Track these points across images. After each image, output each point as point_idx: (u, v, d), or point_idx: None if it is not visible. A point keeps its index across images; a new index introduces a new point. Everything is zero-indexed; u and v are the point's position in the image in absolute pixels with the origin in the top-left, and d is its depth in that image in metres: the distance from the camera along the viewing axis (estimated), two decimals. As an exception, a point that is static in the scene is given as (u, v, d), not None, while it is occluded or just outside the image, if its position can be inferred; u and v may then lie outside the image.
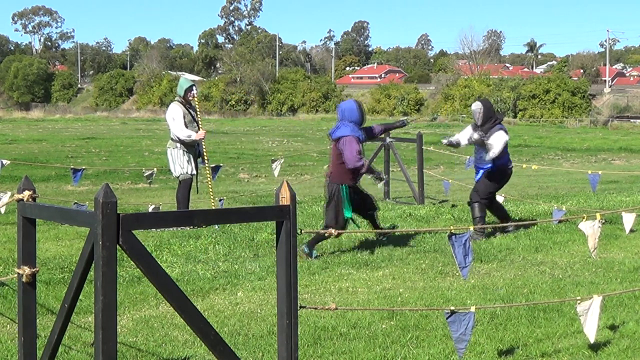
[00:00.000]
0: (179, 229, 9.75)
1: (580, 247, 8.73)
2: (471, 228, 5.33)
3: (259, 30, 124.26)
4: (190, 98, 10.69)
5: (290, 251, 4.02)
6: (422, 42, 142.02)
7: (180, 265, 8.05)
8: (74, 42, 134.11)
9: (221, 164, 12.99)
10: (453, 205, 12.11)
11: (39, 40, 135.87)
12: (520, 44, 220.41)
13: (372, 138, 9.46)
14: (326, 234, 7.79)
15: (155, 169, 12.42)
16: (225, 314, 6.27)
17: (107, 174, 21.01)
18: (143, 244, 3.67)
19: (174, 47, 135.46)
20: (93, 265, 3.57)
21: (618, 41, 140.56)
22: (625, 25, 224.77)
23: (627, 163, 29.41)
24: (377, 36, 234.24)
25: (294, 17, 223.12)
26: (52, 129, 49.29)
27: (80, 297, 4.04)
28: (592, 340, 5.19)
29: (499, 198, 10.43)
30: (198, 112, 10.71)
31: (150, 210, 11.23)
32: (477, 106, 9.85)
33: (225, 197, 12.90)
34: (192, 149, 10.63)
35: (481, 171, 9.84)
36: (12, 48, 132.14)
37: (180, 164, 10.57)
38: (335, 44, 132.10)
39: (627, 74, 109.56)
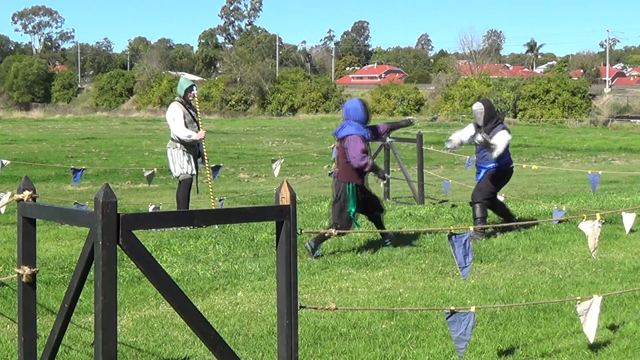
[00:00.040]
0: (179, 229, 9.75)
1: (580, 247, 8.73)
2: (471, 228, 5.33)
3: (259, 30, 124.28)
4: (191, 98, 10.69)
5: (290, 251, 4.02)
6: (422, 42, 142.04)
7: (180, 265, 8.05)
8: (74, 42, 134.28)
9: (221, 164, 12.99)
10: (453, 205, 12.11)
11: (39, 40, 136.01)
12: (520, 44, 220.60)
13: (379, 137, 9.45)
14: (326, 234, 7.82)
15: (155, 169, 12.41)
16: (225, 314, 6.27)
17: (107, 174, 21.01)
18: (143, 244, 3.67)
19: (174, 47, 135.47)
20: (93, 265, 3.57)
21: (618, 41, 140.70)
22: (625, 25, 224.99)
23: (627, 163, 29.41)
24: (377, 36, 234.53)
25: (294, 17, 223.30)
26: (52, 129, 49.29)
27: (80, 297, 4.04)
28: (591, 340, 5.19)
29: (499, 198, 10.43)
30: (198, 112, 10.71)
31: (150, 210, 11.23)
32: (478, 107, 9.86)
33: (225, 197, 12.90)
34: (192, 149, 10.63)
35: (483, 171, 9.85)
36: (12, 48, 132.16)
37: (180, 164, 10.57)
38: (335, 44, 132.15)
39: (627, 74, 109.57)
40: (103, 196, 3.43)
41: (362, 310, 6.14)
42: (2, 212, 10.80)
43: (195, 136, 10.44)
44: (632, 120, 69.58)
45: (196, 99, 10.74)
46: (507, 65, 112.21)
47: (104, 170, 21.24)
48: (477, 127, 9.84)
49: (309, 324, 5.85)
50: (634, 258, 8.27)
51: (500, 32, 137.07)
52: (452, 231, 5.13)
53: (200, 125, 10.66)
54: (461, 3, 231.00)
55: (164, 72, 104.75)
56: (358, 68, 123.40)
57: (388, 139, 13.92)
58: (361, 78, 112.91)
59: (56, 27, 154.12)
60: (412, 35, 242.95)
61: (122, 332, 5.73)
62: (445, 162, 26.22)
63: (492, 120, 9.72)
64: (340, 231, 6.19)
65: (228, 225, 9.59)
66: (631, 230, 8.56)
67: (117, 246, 3.49)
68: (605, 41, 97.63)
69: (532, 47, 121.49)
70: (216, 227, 9.73)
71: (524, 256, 8.49)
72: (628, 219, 7.81)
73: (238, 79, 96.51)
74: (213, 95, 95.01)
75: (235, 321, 6.05)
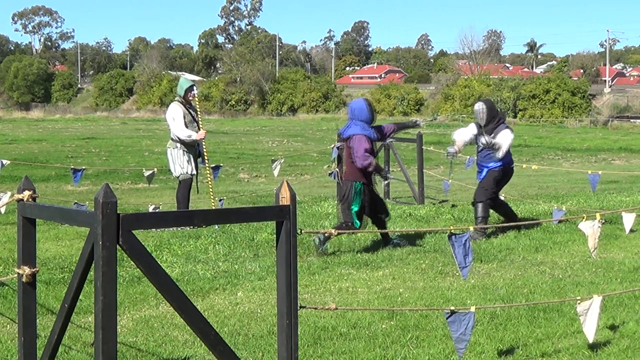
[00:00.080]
0: (179, 229, 9.75)
1: (580, 247, 8.73)
2: (471, 228, 5.33)
3: (259, 30, 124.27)
4: (191, 98, 10.69)
5: (290, 251, 4.02)
6: (422, 42, 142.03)
7: (180, 265, 8.06)
8: (74, 42, 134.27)
9: (221, 164, 12.99)
10: (453, 205, 12.11)
11: (39, 40, 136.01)
12: (520, 44, 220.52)
13: (385, 137, 9.48)
14: (326, 234, 7.83)
15: (155, 169, 12.41)
16: (225, 314, 6.27)
17: (107, 174, 21.01)
18: (143, 244, 3.67)
19: (174, 47, 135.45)
20: (93, 265, 3.57)
21: (618, 41, 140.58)
22: (625, 25, 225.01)
23: (627, 163, 29.41)
24: (377, 36, 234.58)
25: (294, 17, 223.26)
26: (52, 129, 49.29)
27: (80, 297, 4.04)
28: (590, 340, 5.19)
29: (500, 197, 10.44)
30: (198, 112, 10.70)
31: (150, 210, 11.23)
32: (480, 106, 9.87)
33: (225, 197, 12.90)
34: (192, 149, 10.63)
35: (485, 170, 9.85)
36: (12, 48, 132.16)
37: (180, 164, 10.57)
38: (335, 44, 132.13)
39: (627, 74, 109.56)
40: (103, 196, 3.43)
41: (362, 310, 6.14)
42: (2, 212, 10.80)
43: (195, 136, 10.44)
44: (632, 120, 69.58)
45: (196, 99, 10.74)
46: (507, 65, 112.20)
47: (104, 170, 21.24)
48: (479, 127, 9.85)
49: (309, 324, 5.85)
50: (634, 258, 8.28)
51: (500, 32, 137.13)
52: (452, 231, 5.13)
53: (201, 125, 10.66)
54: (461, 3, 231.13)
55: (164, 72, 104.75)
56: (358, 68, 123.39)
57: (388, 139, 13.91)
58: (361, 78, 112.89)
59: (56, 27, 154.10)
60: (412, 35, 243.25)
61: (122, 332, 5.73)
62: (445, 162, 26.16)
63: (493, 120, 9.74)
64: (340, 231, 6.19)
65: (228, 225, 9.59)
66: (631, 230, 8.55)
67: (117, 246, 3.49)
68: (605, 41, 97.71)
69: (532, 47, 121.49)
70: (216, 227, 9.73)
71: (524, 256, 8.49)
72: (628, 219, 7.80)
73: (238, 79, 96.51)
74: (213, 95, 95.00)
75: (235, 321, 6.05)
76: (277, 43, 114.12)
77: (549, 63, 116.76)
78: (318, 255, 8.38)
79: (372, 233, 9.23)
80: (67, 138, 38.76)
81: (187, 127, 10.46)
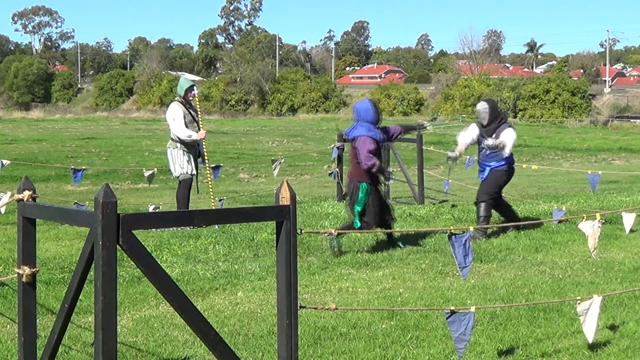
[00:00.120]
0: (179, 229, 9.75)
1: (580, 247, 8.73)
2: (471, 228, 5.32)
3: (259, 30, 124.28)
4: (191, 98, 10.69)
5: (290, 251, 4.02)
6: (422, 42, 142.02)
7: (180, 265, 8.06)
8: (74, 42, 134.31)
9: (221, 164, 12.99)
10: (453, 205, 12.11)
11: (39, 40, 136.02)
12: (520, 44, 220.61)
13: (391, 138, 9.51)
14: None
15: (155, 170, 12.41)
16: (225, 314, 6.27)
17: (107, 174, 21.01)
18: (143, 244, 3.67)
19: (174, 47, 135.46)
20: (93, 265, 3.57)
21: (618, 41, 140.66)
22: (625, 25, 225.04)
23: (627, 163, 29.42)
24: (377, 36, 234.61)
25: (294, 17, 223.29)
26: (52, 129, 49.30)
27: (80, 297, 4.04)
28: (590, 340, 5.19)
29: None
30: (198, 112, 10.70)
31: (150, 210, 11.23)
32: (482, 106, 9.89)
33: (225, 197, 12.90)
34: (192, 149, 10.62)
35: (488, 169, 9.85)
36: (12, 48, 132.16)
37: (180, 164, 10.56)
38: (335, 44, 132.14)
39: (627, 74, 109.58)
40: (103, 196, 3.43)
41: (362, 310, 6.14)
42: (2, 212, 10.80)
43: (195, 136, 10.44)
44: (632, 120, 69.59)
45: (196, 99, 10.74)
46: (507, 65, 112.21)
47: (104, 170, 21.25)
48: (482, 127, 9.86)
49: (309, 324, 5.85)
50: (634, 258, 8.28)
51: (500, 32, 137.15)
52: (452, 231, 5.13)
53: (201, 125, 10.66)
54: (461, 3, 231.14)
55: (164, 72, 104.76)
56: (358, 68, 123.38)
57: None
58: (361, 78, 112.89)
59: (56, 27, 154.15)
60: (412, 35, 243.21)
61: (122, 332, 5.73)
62: (445, 162, 26.18)
63: (496, 120, 9.77)
64: (340, 231, 6.19)
65: (228, 225, 9.59)
66: (631, 230, 8.54)
67: (117, 246, 3.49)
68: (605, 41, 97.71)
69: (532, 47, 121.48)
70: (216, 227, 9.73)
71: (524, 256, 8.49)
72: (628, 219, 7.80)
73: (238, 79, 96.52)
74: (213, 95, 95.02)
75: (235, 321, 6.05)
76: (277, 43, 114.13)
77: (549, 63, 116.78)
78: (334, 255, 8.40)
79: (372, 233, 9.23)
80: (67, 138, 38.77)
81: (187, 127, 10.46)
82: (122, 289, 6.84)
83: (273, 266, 7.41)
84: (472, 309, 4.85)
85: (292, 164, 25.50)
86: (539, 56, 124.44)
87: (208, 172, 10.70)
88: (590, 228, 5.69)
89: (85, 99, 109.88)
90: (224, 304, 6.59)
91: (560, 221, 9.84)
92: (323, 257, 8.35)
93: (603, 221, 5.84)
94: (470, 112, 72.00)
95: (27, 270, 4.09)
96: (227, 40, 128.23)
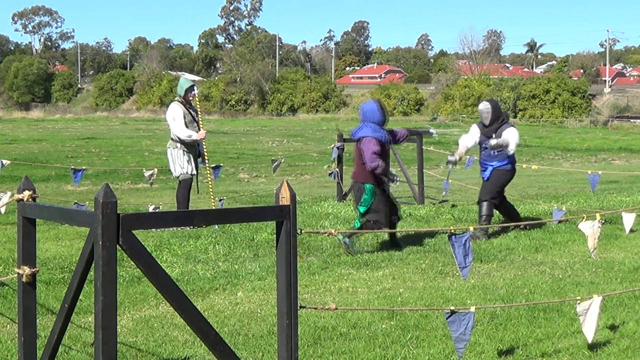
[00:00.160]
0: (179, 229, 9.75)
1: (580, 247, 8.73)
2: (471, 228, 5.32)
3: (259, 30, 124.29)
4: (191, 98, 10.69)
5: (290, 251, 4.02)
6: (422, 42, 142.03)
7: (180, 265, 8.05)
8: (74, 42, 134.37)
9: (221, 164, 12.99)
10: (453, 205, 12.11)
11: (39, 40, 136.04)
12: (520, 44, 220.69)
13: (397, 141, 9.51)
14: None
15: (155, 170, 12.41)
16: (225, 314, 6.26)
17: (107, 174, 21.01)
18: (143, 244, 3.67)
19: (174, 47, 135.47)
20: (93, 265, 3.57)
21: (618, 41, 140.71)
22: (625, 25, 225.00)
23: (627, 163, 29.42)
24: (377, 36, 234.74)
25: (294, 17, 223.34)
26: (52, 129, 49.30)
27: (80, 297, 4.04)
28: (590, 340, 5.19)
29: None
30: (199, 112, 10.70)
31: (150, 210, 11.23)
32: (485, 106, 9.91)
33: (225, 197, 12.90)
34: (192, 149, 10.62)
35: (490, 168, 9.86)
36: (12, 48, 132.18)
37: (180, 164, 10.57)
38: (335, 44, 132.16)
39: (627, 74, 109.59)
40: (103, 196, 3.43)
41: (362, 310, 6.14)
42: (2, 212, 10.80)
43: (195, 136, 10.44)
44: (632, 120, 69.60)
45: (196, 99, 10.74)
46: (507, 65, 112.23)
47: (104, 170, 21.25)
48: (483, 127, 9.88)
49: (309, 324, 5.85)
50: (634, 258, 8.28)
51: (500, 32, 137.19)
52: (452, 231, 5.13)
53: (201, 125, 10.66)
54: (461, 3, 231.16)
55: (164, 72, 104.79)
56: (358, 68, 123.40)
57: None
58: (361, 78, 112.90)
59: (56, 27, 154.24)
60: (412, 35, 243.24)
61: (122, 332, 5.73)
62: (445, 162, 26.18)
63: (498, 120, 9.79)
64: (340, 231, 6.19)
65: (228, 225, 9.59)
66: (631, 230, 8.54)
67: (117, 246, 3.49)
68: (605, 41, 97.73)
69: (532, 47, 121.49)
70: (216, 227, 9.73)
71: (524, 256, 8.49)
72: (628, 219, 7.80)
73: (238, 79, 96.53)
74: (213, 95, 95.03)
75: (235, 321, 6.05)
76: (277, 43, 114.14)
77: (549, 63, 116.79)
78: (350, 254, 8.40)
79: (372, 233, 9.23)
80: (67, 138, 38.77)
81: (187, 127, 10.46)
82: (122, 289, 6.84)
83: (273, 266, 7.41)
84: (472, 309, 4.85)
85: (292, 164, 25.50)
86: (539, 56, 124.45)
87: (208, 172, 10.70)
88: (590, 228, 5.69)
89: (85, 99, 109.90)
90: (224, 304, 6.59)
91: (560, 221, 9.84)
92: (323, 257, 8.36)
93: (603, 221, 5.84)
94: (471, 112, 72.04)
95: (27, 270, 4.09)
96: (227, 40, 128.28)
